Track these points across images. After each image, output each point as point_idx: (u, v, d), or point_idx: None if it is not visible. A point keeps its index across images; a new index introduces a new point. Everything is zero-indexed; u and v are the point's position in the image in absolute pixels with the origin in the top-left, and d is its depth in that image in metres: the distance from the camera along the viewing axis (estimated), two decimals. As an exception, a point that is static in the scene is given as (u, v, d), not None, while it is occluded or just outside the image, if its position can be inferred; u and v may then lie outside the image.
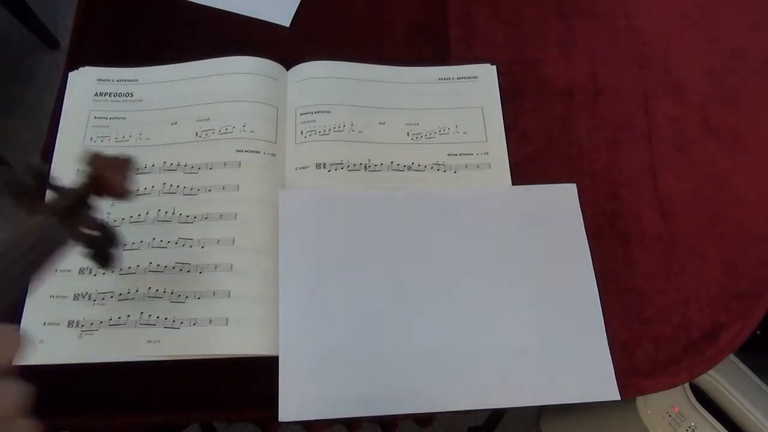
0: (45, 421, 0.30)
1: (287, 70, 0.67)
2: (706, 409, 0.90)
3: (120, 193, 0.45)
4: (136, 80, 0.66)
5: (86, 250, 0.45)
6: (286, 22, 0.71)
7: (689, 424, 0.90)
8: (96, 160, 0.44)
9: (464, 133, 0.65)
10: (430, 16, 0.73)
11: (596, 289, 0.58)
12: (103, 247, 0.46)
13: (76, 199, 0.43)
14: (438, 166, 0.63)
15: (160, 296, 0.55)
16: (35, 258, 0.36)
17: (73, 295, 0.55)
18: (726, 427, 0.90)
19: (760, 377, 0.97)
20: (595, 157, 0.65)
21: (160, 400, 0.53)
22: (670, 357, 0.56)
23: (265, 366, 0.53)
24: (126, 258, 0.56)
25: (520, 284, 0.58)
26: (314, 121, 0.64)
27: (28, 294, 0.54)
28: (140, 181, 0.59)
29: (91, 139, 0.62)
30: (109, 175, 0.44)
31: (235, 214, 0.58)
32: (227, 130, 0.62)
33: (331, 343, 0.54)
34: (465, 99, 0.67)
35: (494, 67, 0.69)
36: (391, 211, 0.61)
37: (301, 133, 0.63)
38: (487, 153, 0.64)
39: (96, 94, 0.65)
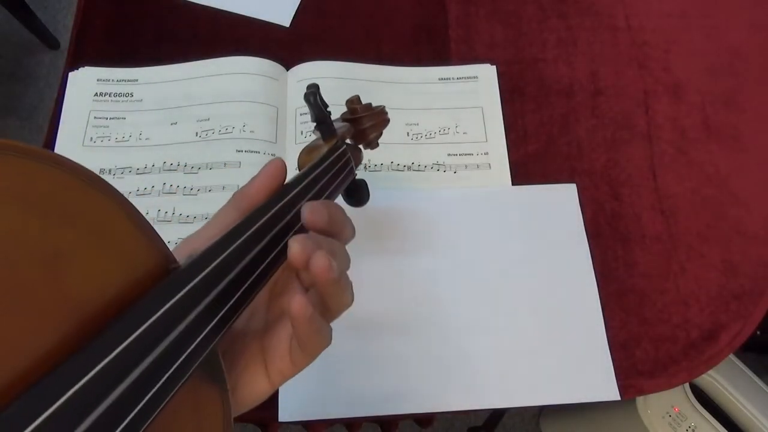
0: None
1: (287, 70, 0.67)
2: (706, 409, 0.90)
3: (368, 144, 0.49)
4: (136, 80, 0.66)
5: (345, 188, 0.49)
6: (286, 22, 0.71)
7: (689, 424, 0.90)
8: (360, 107, 0.47)
9: (464, 133, 0.65)
10: (430, 16, 0.73)
11: (596, 289, 0.58)
12: (360, 187, 0.49)
13: (350, 133, 0.47)
14: (438, 166, 0.63)
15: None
16: (331, 177, 0.40)
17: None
18: (726, 427, 0.90)
19: (760, 377, 0.97)
20: (595, 157, 0.65)
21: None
22: (670, 357, 0.57)
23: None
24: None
25: (519, 284, 0.58)
26: (314, 121, 0.64)
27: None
28: (140, 181, 0.60)
29: (91, 139, 0.62)
30: (368, 123, 0.47)
31: (235, 214, 0.58)
32: (227, 130, 0.62)
33: (330, 344, 0.54)
34: (465, 99, 0.67)
35: (494, 67, 0.69)
36: (391, 211, 0.61)
37: (301, 133, 0.63)
38: (487, 153, 0.64)
39: (96, 94, 0.65)
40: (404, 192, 0.61)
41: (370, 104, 0.48)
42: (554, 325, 0.56)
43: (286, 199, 0.34)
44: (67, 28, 1.61)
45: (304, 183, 0.36)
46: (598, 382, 0.55)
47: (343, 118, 0.47)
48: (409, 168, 0.63)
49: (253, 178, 0.36)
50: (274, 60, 0.66)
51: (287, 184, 0.35)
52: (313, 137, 0.44)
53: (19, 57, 1.59)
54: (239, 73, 0.65)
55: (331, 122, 0.42)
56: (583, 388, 0.54)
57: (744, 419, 0.91)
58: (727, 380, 0.93)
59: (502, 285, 0.58)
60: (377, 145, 0.50)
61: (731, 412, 0.93)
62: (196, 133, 0.62)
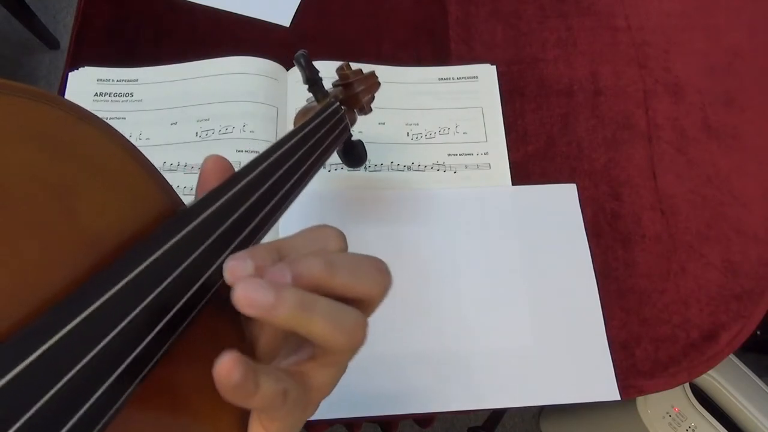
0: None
1: (287, 70, 0.67)
2: (706, 409, 0.90)
3: (362, 108, 0.50)
4: (136, 80, 0.66)
5: (342, 148, 0.51)
6: (286, 22, 0.71)
7: (689, 424, 0.90)
8: (350, 72, 0.49)
9: (464, 133, 0.65)
10: (430, 16, 0.73)
11: (596, 289, 0.58)
12: (356, 146, 0.52)
13: (342, 96, 0.48)
14: (438, 166, 0.63)
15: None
16: (325, 132, 0.41)
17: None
18: (726, 427, 0.90)
19: (760, 377, 0.97)
20: (595, 157, 0.65)
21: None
22: (670, 357, 0.57)
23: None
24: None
25: (520, 284, 0.58)
26: (314, 121, 0.64)
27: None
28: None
29: (91, 139, 0.62)
30: (359, 87, 0.49)
31: (235, 214, 0.58)
32: (227, 130, 0.62)
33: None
34: (465, 99, 0.67)
35: (494, 67, 0.69)
36: (391, 211, 0.61)
37: (301, 133, 0.63)
38: (487, 153, 0.64)
39: (96, 94, 0.65)
40: (404, 192, 0.61)
41: (360, 69, 0.50)
42: (554, 325, 0.56)
43: (285, 148, 0.34)
44: (67, 28, 1.61)
45: (298, 136, 0.37)
46: (598, 382, 0.55)
47: (334, 84, 0.50)
48: (409, 168, 0.63)
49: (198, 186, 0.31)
50: (274, 60, 0.66)
51: (284, 136, 0.36)
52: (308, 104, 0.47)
53: (19, 57, 1.59)
54: (239, 73, 0.65)
55: (322, 84, 0.45)
56: (583, 388, 0.54)
57: (744, 419, 0.91)
58: (727, 380, 0.93)
59: (502, 285, 0.58)
60: (370, 109, 0.52)
61: (731, 412, 0.93)
62: (196, 133, 0.62)
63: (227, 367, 0.21)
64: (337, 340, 0.24)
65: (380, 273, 0.27)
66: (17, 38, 1.58)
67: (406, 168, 0.63)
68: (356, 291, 0.25)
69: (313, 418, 0.51)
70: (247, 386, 0.22)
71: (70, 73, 0.65)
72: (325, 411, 0.52)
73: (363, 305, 0.26)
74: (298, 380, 0.26)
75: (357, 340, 0.25)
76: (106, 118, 0.63)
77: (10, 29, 1.57)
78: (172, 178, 0.60)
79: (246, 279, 0.22)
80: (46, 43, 1.58)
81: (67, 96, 0.64)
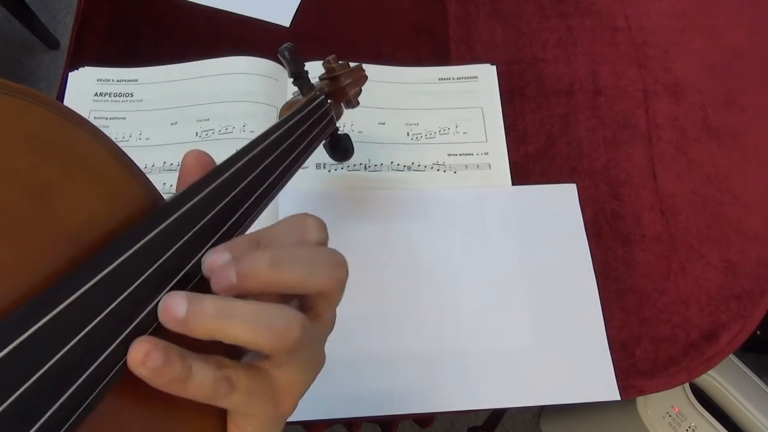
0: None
1: (287, 70, 0.67)
2: (706, 409, 0.90)
3: (348, 102, 0.50)
4: (136, 80, 0.66)
5: (328, 141, 0.52)
6: (286, 22, 0.71)
7: (689, 424, 0.90)
8: (337, 65, 0.49)
9: (464, 133, 0.65)
10: (430, 16, 0.73)
11: (596, 289, 0.58)
12: (342, 140, 0.52)
13: (328, 89, 0.49)
14: (438, 166, 0.63)
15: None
16: (309, 125, 0.41)
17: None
18: (726, 427, 0.90)
19: (760, 377, 0.97)
20: (595, 157, 0.65)
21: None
22: (670, 357, 0.57)
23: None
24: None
25: (519, 284, 0.58)
26: (314, 121, 0.64)
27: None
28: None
29: (91, 139, 0.62)
30: (346, 80, 0.49)
31: (235, 214, 0.58)
32: (227, 130, 0.62)
33: (330, 344, 0.54)
34: (465, 99, 0.67)
35: (494, 67, 0.69)
36: (391, 211, 0.61)
37: (301, 133, 0.63)
38: (487, 153, 0.64)
39: (96, 94, 0.64)
40: (404, 192, 0.61)
41: (347, 63, 0.50)
42: (554, 325, 0.56)
43: (267, 142, 0.34)
44: (67, 28, 1.61)
45: (282, 129, 0.36)
46: (598, 382, 0.55)
47: (321, 77, 0.50)
48: (409, 168, 0.63)
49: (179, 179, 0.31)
50: (274, 60, 0.66)
51: (267, 130, 0.36)
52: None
53: (19, 57, 1.59)
54: (239, 73, 0.65)
55: (308, 78, 0.46)
56: (583, 388, 0.54)
57: (744, 419, 0.91)
58: (727, 380, 0.93)
59: (502, 285, 0.58)
60: (358, 103, 0.52)
61: (731, 412, 0.93)
62: (196, 133, 0.62)
63: (141, 351, 0.21)
64: (263, 342, 0.23)
65: (333, 266, 0.26)
66: (17, 38, 1.58)
67: (406, 168, 0.63)
68: (307, 286, 0.25)
69: (312, 418, 0.52)
70: (174, 370, 0.21)
71: (70, 73, 0.65)
72: (325, 411, 0.52)
73: (322, 299, 0.26)
74: (254, 373, 0.25)
75: (288, 338, 0.23)
76: (106, 118, 0.63)
77: (10, 29, 1.57)
78: (172, 179, 0.60)
79: (169, 293, 0.23)
80: (46, 43, 1.58)
81: (67, 96, 0.64)
